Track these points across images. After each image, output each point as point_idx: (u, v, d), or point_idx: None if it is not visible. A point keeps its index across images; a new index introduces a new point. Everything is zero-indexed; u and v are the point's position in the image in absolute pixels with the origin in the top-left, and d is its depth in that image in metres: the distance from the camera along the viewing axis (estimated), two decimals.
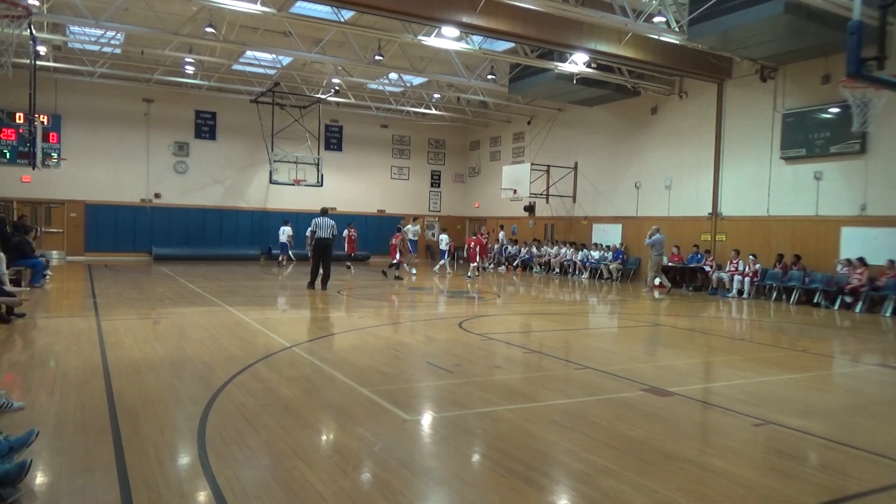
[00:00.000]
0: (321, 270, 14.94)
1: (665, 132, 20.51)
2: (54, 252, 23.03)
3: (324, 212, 15.19)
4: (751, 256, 16.87)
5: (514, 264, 25.00)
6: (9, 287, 9.84)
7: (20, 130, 21.56)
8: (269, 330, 9.35)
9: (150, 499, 3.52)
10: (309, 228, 15.12)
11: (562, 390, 6.38)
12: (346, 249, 22.47)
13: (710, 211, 18.80)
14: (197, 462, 4.09)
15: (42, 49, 19.02)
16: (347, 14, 16.14)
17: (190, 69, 22.14)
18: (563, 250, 23.35)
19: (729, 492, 3.88)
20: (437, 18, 14.41)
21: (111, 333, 8.53)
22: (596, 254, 22.02)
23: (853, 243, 15.06)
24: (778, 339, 10.30)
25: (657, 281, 17.91)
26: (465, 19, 14.41)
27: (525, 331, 10.80)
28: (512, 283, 19.97)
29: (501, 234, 27.02)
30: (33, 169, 18.56)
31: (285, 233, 23.40)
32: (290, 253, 23.47)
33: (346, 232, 22.27)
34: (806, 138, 16.13)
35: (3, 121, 21.61)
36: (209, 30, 16.79)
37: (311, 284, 15.01)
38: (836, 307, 14.67)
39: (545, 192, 24.61)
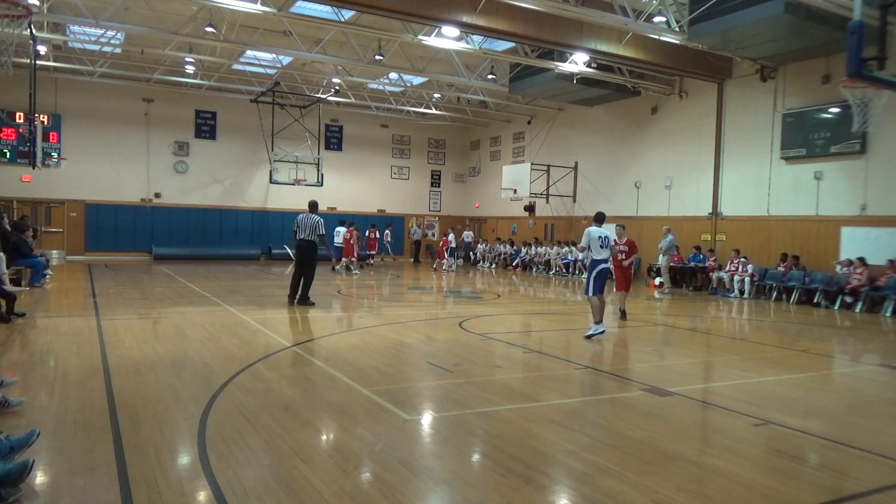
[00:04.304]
0: (302, 280, 12.17)
1: (665, 132, 20.50)
2: (54, 252, 23.01)
3: (312, 207, 12.46)
4: (742, 258, 16.89)
5: (514, 264, 25.03)
6: (9, 287, 9.84)
7: (20, 130, 21.59)
8: (270, 330, 9.35)
9: (150, 498, 3.52)
10: (292, 227, 12.54)
11: (562, 390, 6.38)
12: (343, 251, 20.86)
13: (710, 211, 18.79)
14: (197, 462, 4.09)
15: (42, 49, 19.02)
16: (347, 14, 16.14)
17: (190, 69, 22.14)
18: (552, 249, 23.69)
19: (729, 492, 3.88)
20: (437, 18, 14.41)
21: (111, 333, 8.53)
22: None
23: (853, 243, 15.06)
24: (778, 339, 10.30)
25: (657, 281, 17.93)
26: (465, 19, 14.41)
27: (525, 330, 10.80)
28: (511, 282, 19.97)
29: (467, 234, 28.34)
30: (33, 168, 18.58)
31: (340, 234, 21.16)
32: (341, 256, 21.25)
33: (344, 233, 21.00)
34: (806, 138, 16.13)
35: (3, 120, 21.63)
36: (209, 29, 16.79)
37: (291, 298, 12.17)
38: (836, 307, 14.67)
39: (545, 192, 24.61)
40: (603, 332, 9.45)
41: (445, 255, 23.89)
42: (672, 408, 5.78)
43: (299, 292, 12.14)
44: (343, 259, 21.08)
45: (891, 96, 10.30)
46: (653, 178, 20.79)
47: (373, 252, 24.40)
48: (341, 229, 21.31)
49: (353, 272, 20.47)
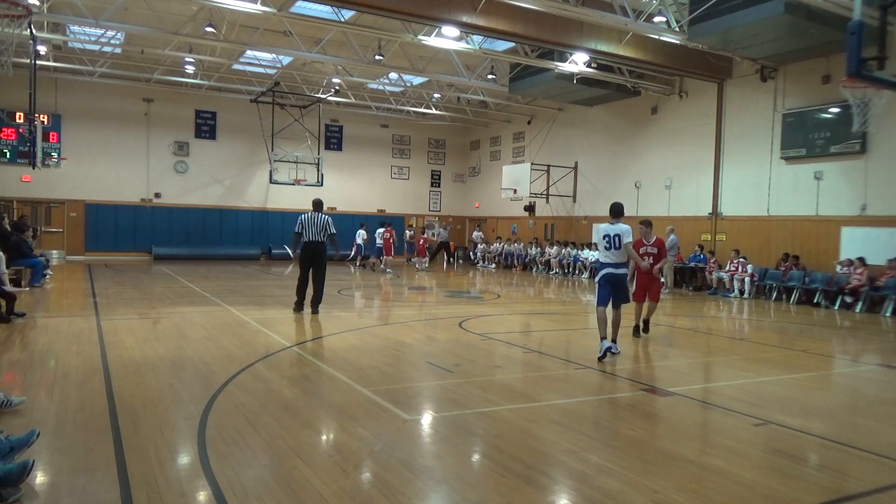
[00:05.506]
0: (312, 285, 10.93)
1: (665, 132, 20.50)
2: (54, 252, 23.00)
3: (316, 206, 11.06)
4: (742, 258, 16.89)
5: (515, 264, 25.03)
6: (9, 287, 9.84)
7: (20, 130, 21.60)
8: (270, 330, 9.34)
9: (150, 498, 3.52)
10: (295, 228, 10.99)
11: (562, 390, 6.38)
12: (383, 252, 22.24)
13: (710, 211, 18.80)
14: (197, 462, 4.09)
15: (42, 49, 19.01)
16: (347, 14, 16.14)
17: (190, 69, 22.13)
18: (552, 249, 23.65)
19: (729, 492, 3.88)
20: (437, 18, 14.41)
21: (111, 333, 8.53)
22: (594, 254, 22.00)
23: (853, 243, 15.06)
24: (778, 339, 10.30)
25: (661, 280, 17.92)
26: (465, 19, 14.41)
27: (525, 330, 10.80)
28: (511, 282, 19.97)
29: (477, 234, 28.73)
30: (33, 168, 18.57)
31: (360, 236, 23.54)
32: (367, 253, 23.22)
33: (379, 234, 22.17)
34: (806, 138, 16.13)
35: (3, 120, 21.63)
36: (209, 29, 16.78)
37: (300, 305, 11.04)
38: (836, 307, 14.67)
39: (545, 192, 24.61)
40: (609, 348, 7.66)
41: (427, 254, 24.18)
42: (672, 408, 5.78)
43: (312, 297, 10.89)
44: (382, 258, 22.34)
45: (891, 96, 10.31)
46: (653, 178, 20.79)
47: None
48: (361, 232, 23.28)
49: (388, 271, 21.67)
